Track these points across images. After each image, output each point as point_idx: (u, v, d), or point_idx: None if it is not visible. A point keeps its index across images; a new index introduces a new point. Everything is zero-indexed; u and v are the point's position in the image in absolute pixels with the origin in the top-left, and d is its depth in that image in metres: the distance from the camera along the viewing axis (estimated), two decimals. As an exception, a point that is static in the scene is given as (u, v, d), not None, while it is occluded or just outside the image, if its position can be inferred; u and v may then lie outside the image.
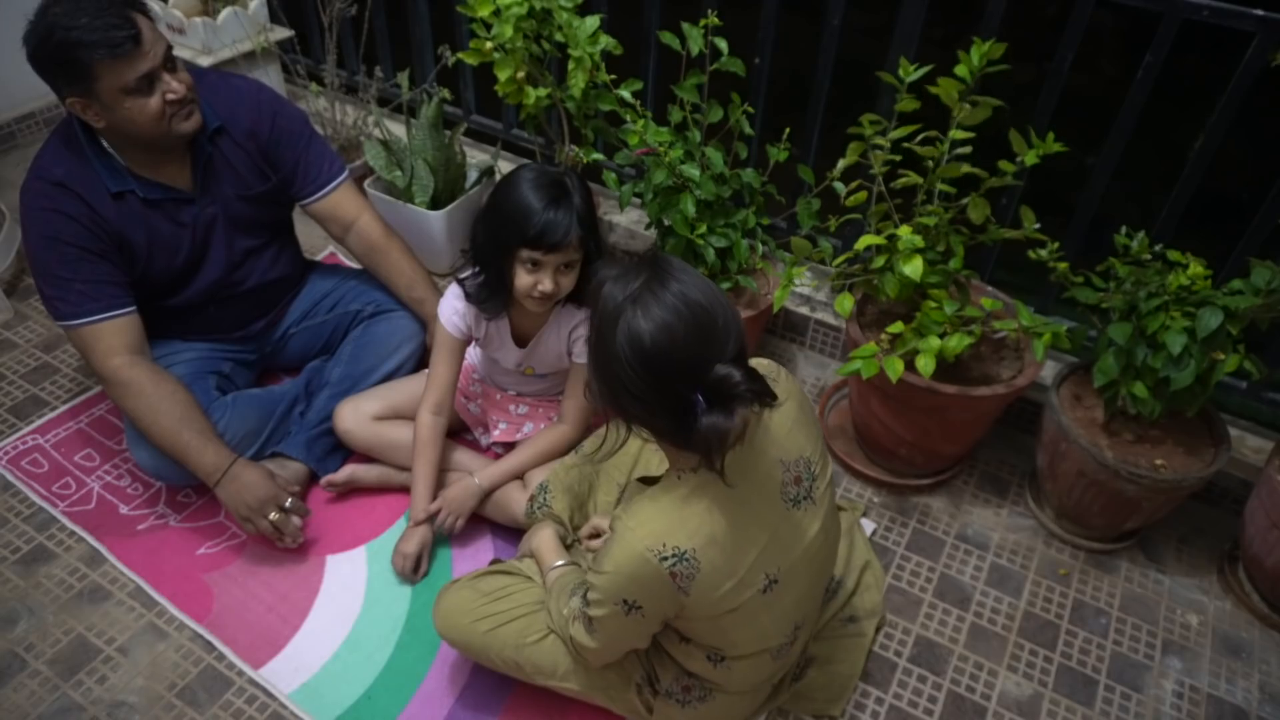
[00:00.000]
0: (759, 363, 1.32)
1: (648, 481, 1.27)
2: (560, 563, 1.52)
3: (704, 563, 1.17)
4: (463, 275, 1.70)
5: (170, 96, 1.60)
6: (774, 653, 1.35)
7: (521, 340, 1.77)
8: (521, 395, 1.92)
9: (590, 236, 1.59)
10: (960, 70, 1.62)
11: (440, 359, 1.78)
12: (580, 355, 1.73)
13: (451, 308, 1.74)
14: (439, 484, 1.79)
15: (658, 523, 1.17)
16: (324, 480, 1.87)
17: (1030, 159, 1.64)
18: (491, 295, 1.66)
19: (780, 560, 1.24)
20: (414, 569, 1.74)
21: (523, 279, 1.58)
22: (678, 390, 1.09)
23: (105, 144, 1.67)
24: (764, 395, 1.10)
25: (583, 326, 1.71)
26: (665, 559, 1.16)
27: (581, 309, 1.72)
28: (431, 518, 1.75)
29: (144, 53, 1.55)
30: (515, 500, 1.77)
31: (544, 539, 1.57)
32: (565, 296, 1.65)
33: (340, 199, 1.93)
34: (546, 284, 1.58)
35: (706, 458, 1.12)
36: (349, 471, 1.88)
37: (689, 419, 1.08)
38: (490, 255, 1.61)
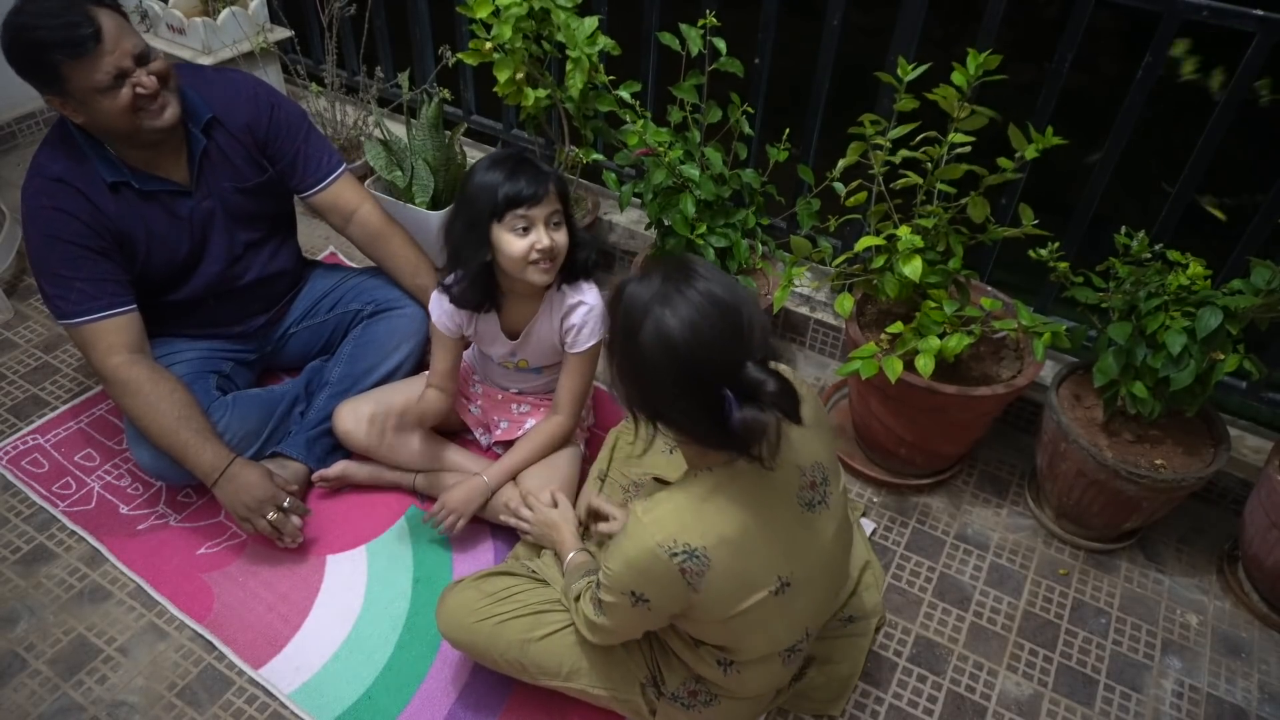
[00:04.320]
0: (778, 368, 1.32)
1: (663, 483, 1.27)
2: (581, 548, 1.55)
3: (715, 560, 1.17)
4: (446, 281, 1.68)
5: (140, 91, 1.58)
6: (784, 658, 1.35)
7: (512, 334, 1.78)
8: (523, 394, 1.92)
9: (563, 192, 1.60)
10: (957, 79, 1.62)
11: (439, 353, 1.80)
12: (574, 346, 1.72)
13: (440, 308, 1.74)
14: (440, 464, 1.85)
15: (672, 520, 1.17)
16: (315, 475, 1.87)
17: (1030, 153, 1.63)
18: (478, 292, 1.66)
19: (794, 564, 1.24)
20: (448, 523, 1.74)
21: (516, 245, 1.56)
22: (710, 388, 1.09)
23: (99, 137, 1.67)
24: (790, 407, 1.11)
25: (575, 314, 1.70)
26: (676, 555, 1.16)
27: (575, 291, 1.70)
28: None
29: (107, 50, 1.53)
30: (509, 499, 1.78)
31: (566, 528, 1.59)
32: (555, 280, 1.66)
33: (341, 189, 1.94)
34: (544, 239, 1.56)
35: (744, 451, 1.12)
36: (341, 467, 1.88)
37: (721, 416, 1.09)
38: (472, 246, 1.59)
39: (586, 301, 1.70)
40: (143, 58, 1.59)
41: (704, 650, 1.34)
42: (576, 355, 1.73)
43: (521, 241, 1.56)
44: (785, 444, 1.20)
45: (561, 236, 1.60)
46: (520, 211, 1.54)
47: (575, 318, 1.69)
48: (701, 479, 1.20)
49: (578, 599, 1.38)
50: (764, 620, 1.26)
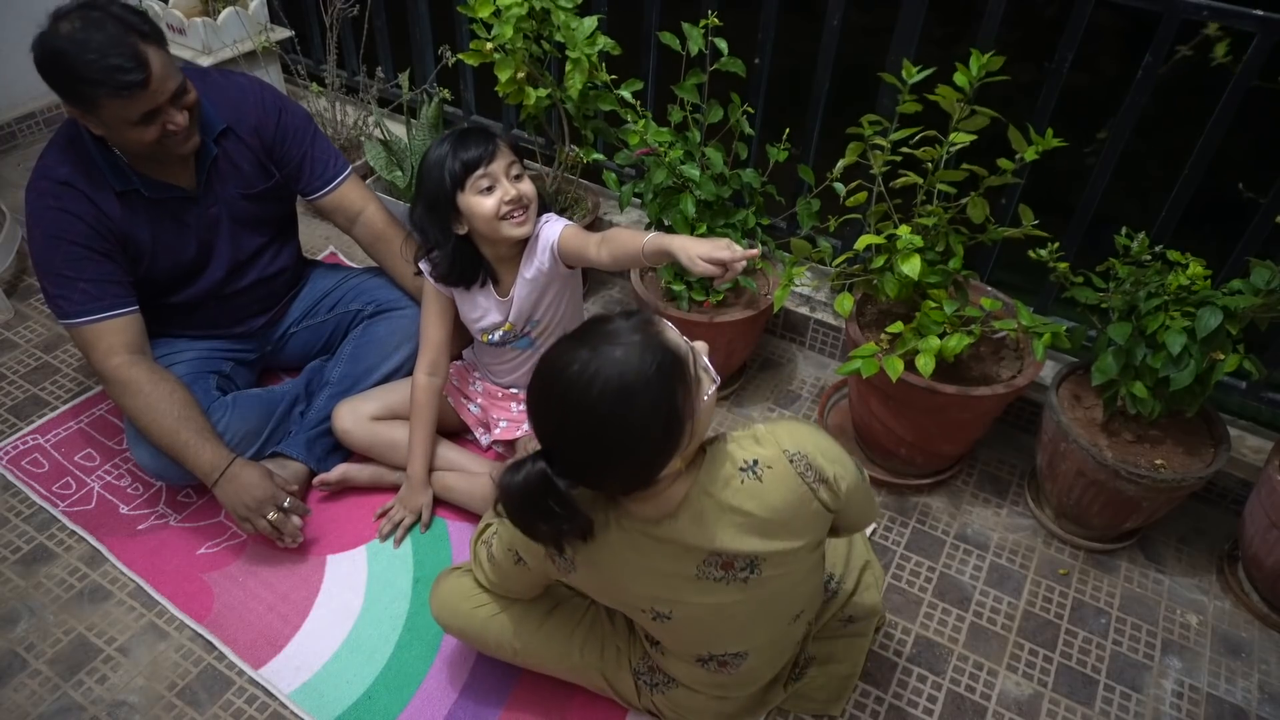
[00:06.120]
0: (772, 433, 1.20)
1: None
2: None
3: (581, 570, 1.25)
4: (430, 258, 1.73)
5: (170, 128, 1.58)
6: (704, 664, 1.35)
7: (506, 294, 1.77)
8: (519, 391, 1.92)
9: (514, 146, 1.64)
10: (959, 79, 1.62)
11: (430, 319, 1.82)
12: (554, 239, 1.67)
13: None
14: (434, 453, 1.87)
15: None
16: (316, 479, 1.87)
17: (1030, 155, 1.63)
18: (463, 266, 1.70)
19: (673, 606, 1.25)
20: (403, 527, 1.82)
21: (486, 204, 1.60)
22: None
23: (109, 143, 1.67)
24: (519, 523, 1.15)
25: (542, 231, 1.68)
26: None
27: (541, 221, 1.69)
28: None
29: (150, 93, 1.52)
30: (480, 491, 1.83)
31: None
32: (532, 232, 1.67)
33: (347, 191, 1.95)
34: (510, 190, 1.60)
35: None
36: (341, 471, 1.89)
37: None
38: (438, 224, 1.65)
39: (551, 219, 1.71)
40: (178, 94, 1.58)
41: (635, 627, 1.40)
42: (562, 240, 1.66)
43: (489, 199, 1.60)
44: (699, 526, 1.17)
45: (527, 185, 1.64)
46: (479, 172, 1.59)
47: (542, 231, 1.69)
48: (603, 507, 1.21)
49: (481, 540, 1.46)
50: (652, 628, 1.29)
